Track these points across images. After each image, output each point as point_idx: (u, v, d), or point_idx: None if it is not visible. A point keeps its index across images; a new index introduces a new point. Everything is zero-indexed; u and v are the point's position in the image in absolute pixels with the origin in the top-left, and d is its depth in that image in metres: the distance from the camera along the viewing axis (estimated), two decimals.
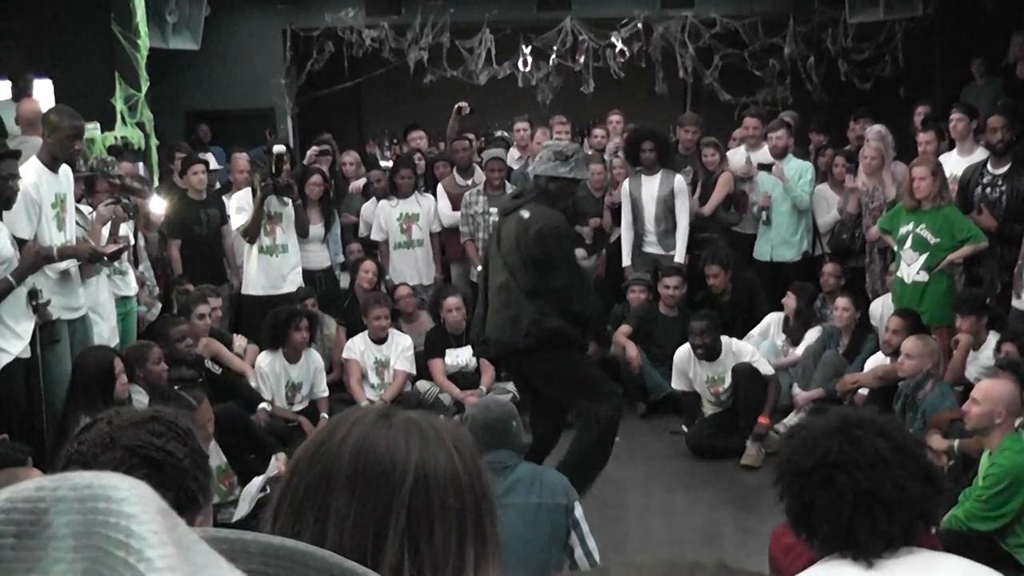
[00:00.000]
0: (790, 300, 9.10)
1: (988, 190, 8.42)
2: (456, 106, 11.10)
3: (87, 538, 0.77)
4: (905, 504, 2.36)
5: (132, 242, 7.74)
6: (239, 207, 9.13)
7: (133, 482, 0.84)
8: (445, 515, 1.36)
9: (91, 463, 2.14)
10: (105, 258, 6.79)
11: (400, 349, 9.05)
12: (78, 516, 0.78)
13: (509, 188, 9.75)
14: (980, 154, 8.94)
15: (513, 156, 11.02)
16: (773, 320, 9.22)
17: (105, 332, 7.13)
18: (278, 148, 9.01)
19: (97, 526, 0.78)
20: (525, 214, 6.28)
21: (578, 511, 4.62)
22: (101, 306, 7.14)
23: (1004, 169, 8.39)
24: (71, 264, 6.64)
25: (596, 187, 10.53)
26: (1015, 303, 7.83)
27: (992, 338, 7.48)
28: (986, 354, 7.45)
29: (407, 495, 1.35)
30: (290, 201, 9.10)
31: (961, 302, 7.75)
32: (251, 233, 9.02)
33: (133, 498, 0.80)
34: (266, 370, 8.37)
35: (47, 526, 0.78)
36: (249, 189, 9.17)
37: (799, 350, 8.93)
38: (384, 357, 9.03)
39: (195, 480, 2.20)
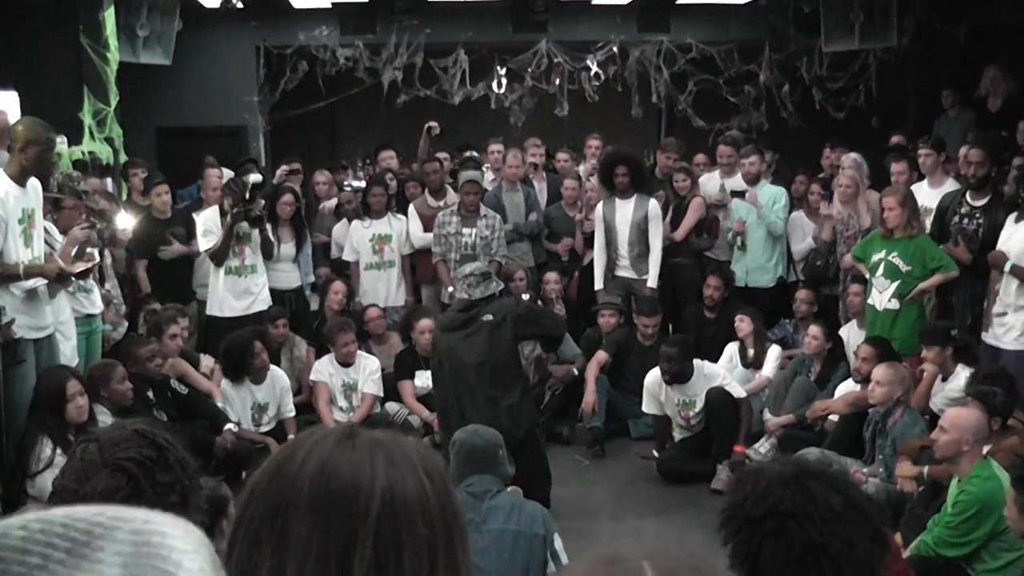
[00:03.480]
0: (744, 324, 9.12)
1: (965, 221, 8.37)
2: (426, 126, 11.06)
3: (136, 568, 0.85)
4: (853, 561, 2.32)
5: (98, 260, 7.64)
6: (206, 229, 9.06)
7: (189, 527, 0.91)
8: (414, 543, 1.29)
9: (101, 439, 2.36)
10: (72, 278, 6.68)
11: (368, 372, 9.00)
12: (130, 548, 0.86)
13: (484, 210, 9.70)
14: (950, 185, 8.98)
15: (487, 178, 10.98)
16: (732, 351, 9.22)
17: (68, 351, 6.99)
18: (254, 178, 9.00)
19: (148, 558, 0.86)
20: (490, 317, 7.01)
21: (558, 543, 4.67)
22: (63, 324, 6.98)
23: (983, 202, 8.34)
24: (38, 283, 6.52)
25: (569, 202, 10.48)
26: (984, 337, 7.82)
27: (960, 369, 7.46)
28: (953, 385, 7.44)
29: (373, 522, 1.27)
30: (259, 230, 9.11)
31: (925, 333, 7.75)
32: (219, 257, 8.99)
33: (188, 539, 0.89)
34: (231, 392, 8.32)
35: (99, 549, 0.86)
36: (216, 209, 9.12)
37: (765, 371, 8.95)
38: (352, 380, 8.98)
39: (173, 489, 2.28)
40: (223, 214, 8.98)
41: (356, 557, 1.26)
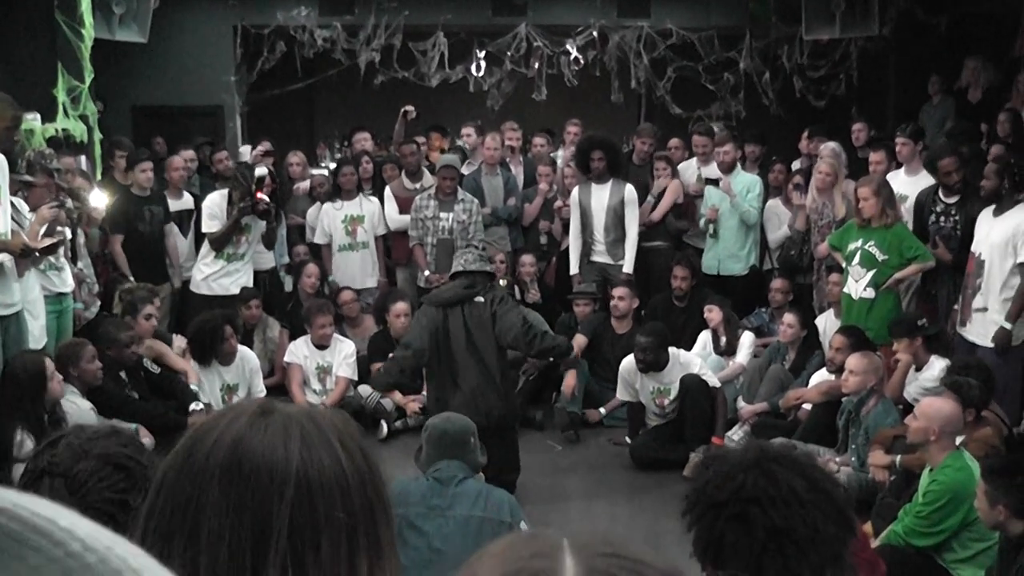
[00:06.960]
0: (713, 313, 9.09)
1: (941, 219, 8.37)
2: (402, 110, 11.00)
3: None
4: (817, 545, 2.29)
5: (68, 237, 7.55)
6: (211, 214, 9.13)
7: (60, 508, 0.79)
8: (332, 526, 1.22)
9: (67, 473, 2.29)
10: (37, 253, 6.58)
11: (343, 355, 8.99)
12: None
13: (460, 194, 9.66)
14: (927, 174, 8.96)
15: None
16: (706, 339, 9.20)
17: (36, 330, 6.88)
18: (260, 171, 9.05)
19: (16, 538, 0.73)
20: (481, 299, 7.23)
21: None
22: (31, 303, 6.87)
23: (956, 198, 8.32)
24: (5, 259, 6.43)
25: (543, 187, 10.42)
26: (960, 330, 7.76)
27: (935, 360, 7.46)
28: (927, 375, 7.45)
29: (288, 508, 1.20)
30: (265, 222, 9.16)
31: (894, 325, 7.75)
32: (220, 244, 9.08)
33: (62, 514, 0.76)
34: (199, 375, 8.27)
35: None
36: (224, 193, 9.18)
37: (739, 358, 8.94)
38: (327, 363, 8.96)
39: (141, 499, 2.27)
40: (230, 201, 9.06)
41: (271, 547, 1.19)
